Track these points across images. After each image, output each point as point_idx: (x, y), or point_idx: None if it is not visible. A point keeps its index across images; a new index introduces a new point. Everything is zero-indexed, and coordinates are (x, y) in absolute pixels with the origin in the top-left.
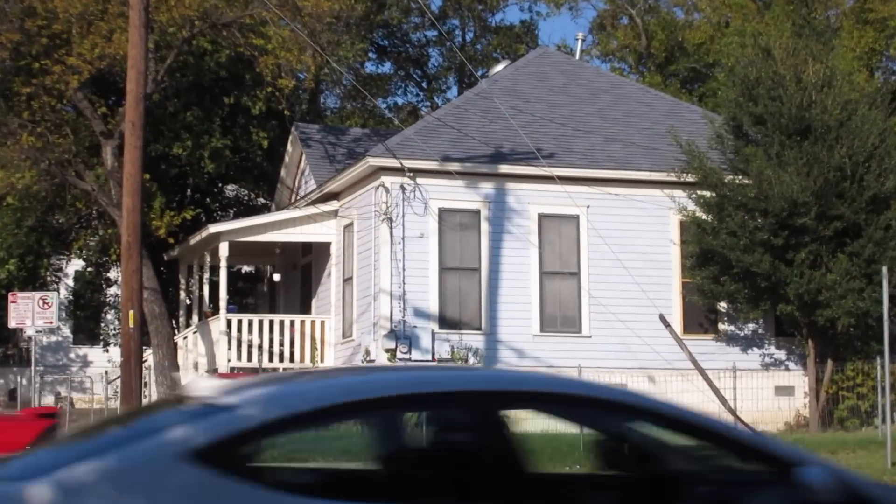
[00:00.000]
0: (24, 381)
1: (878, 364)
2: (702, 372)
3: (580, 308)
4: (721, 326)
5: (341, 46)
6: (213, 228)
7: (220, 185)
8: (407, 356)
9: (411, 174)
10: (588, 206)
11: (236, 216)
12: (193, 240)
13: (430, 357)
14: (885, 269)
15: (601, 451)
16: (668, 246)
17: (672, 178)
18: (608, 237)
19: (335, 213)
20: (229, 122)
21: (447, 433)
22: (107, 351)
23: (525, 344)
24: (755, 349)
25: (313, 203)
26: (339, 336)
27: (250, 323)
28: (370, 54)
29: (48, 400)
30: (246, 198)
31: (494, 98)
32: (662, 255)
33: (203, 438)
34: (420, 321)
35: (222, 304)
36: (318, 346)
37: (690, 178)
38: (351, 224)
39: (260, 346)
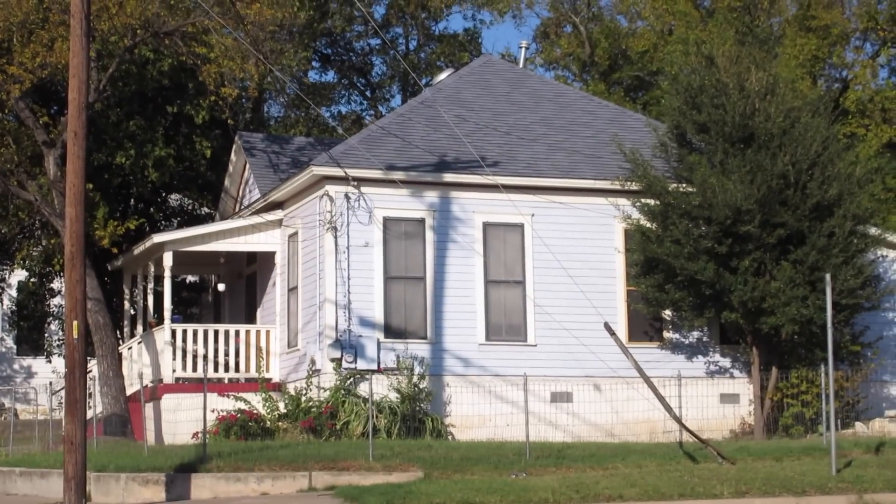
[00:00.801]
0: None
1: (822, 371)
2: (647, 380)
3: (525, 316)
4: (666, 334)
5: (284, 55)
6: (157, 238)
7: (163, 194)
8: (353, 366)
9: (356, 183)
10: (533, 215)
11: (180, 226)
12: (137, 250)
13: (375, 366)
14: (828, 277)
15: None
16: (612, 254)
17: (616, 186)
18: (553, 245)
19: (280, 223)
20: (172, 132)
21: None
22: (50, 362)
23: (471, 353)
24: (700, 357)
25: (258, 212)
26: (284, 346)
27: (195, 333)
28: (313, 63)
29: None
30: (190, 207)
31: (438, 106)
32: (607, 263)
33: None
34: (366, 330)
35: (167, 314)
36: (264, 355)
37: (635, 187)
38: (296, 233)
39: (205, 357)
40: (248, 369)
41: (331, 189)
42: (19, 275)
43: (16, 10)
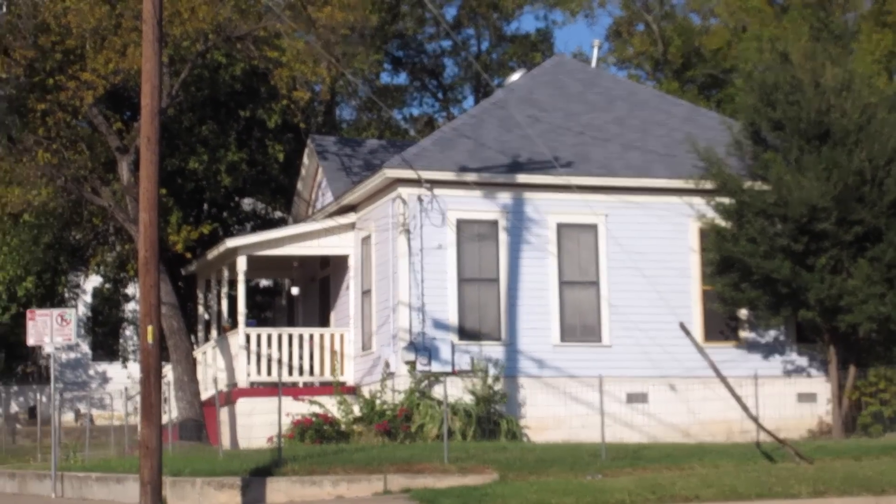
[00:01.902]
0: (44, 399)
1: None
2: (723, 380)
3: (600, 317)
4: (742, 334)
5: (356, 58)
6: (231, 243)
7: (236, 198)
8: (427, 368)
9: (428, 185)
10: (607, 215)
11: (253, 230)
12: (211, 254)
13: (449, 369)
14: None
15: None
16: (687, 253)
17: (690, 185)
18: (627, 245)
19: (353, 226)
20: (245, 136)
21: None
22: (126, 367)
23: (545, 354)
24: (776, 356)
25: (330, 215)
26: (358, 349)
27: (269, 337)
28: (385, 65)
29: (68, 417)
30: (263, 211)
31: (511, 107)
32: (682, 262)
33: None
34: (439, 332)
35: (241, 318)
36: (338, 359)
37: (709, 185)
38: (369, 236)
39: (280, 360)
40: (322, 373)
41: (403, 191)
42: (94, 281)
43: (88, 17)
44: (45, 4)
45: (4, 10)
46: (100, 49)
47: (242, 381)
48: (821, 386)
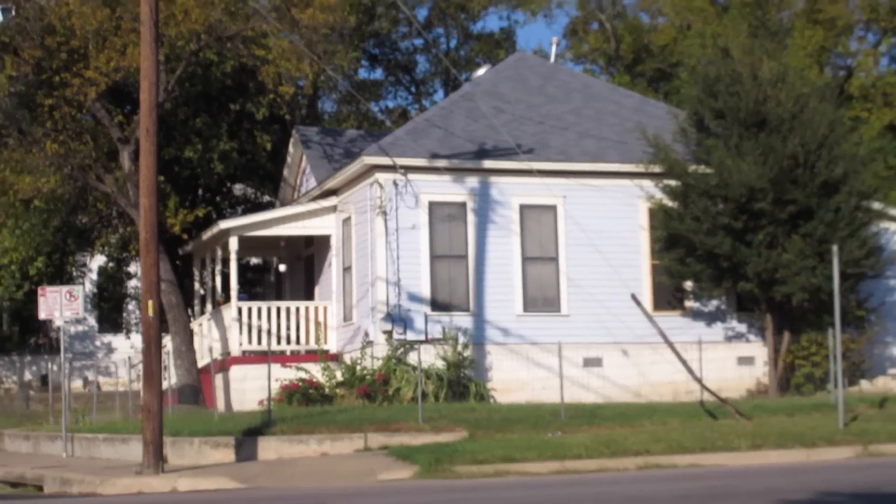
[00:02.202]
0: (55, 368)
1: (830, 335)
2: (671, 345)
3: (559, 289)
4: (687, 303)
5: (336, 55)
6: (223, 224)
7: (228, 184)
8: (403, 337)
9: (403, 171)
10: (565, 197)
11: (244, 213)
12: (205, 235)
13: (423, 337)
14: (835, 248)
15: None
16: (637, 231)
17: (640, 169)
18: (583, 224)
19: (334, 208)
20: (235, 127)
21: None
22: (129, 338)
23: (509, 323)
24: (718, 323)
25: (314, 199)
26: (340, 320)
27: (259, 310)
28: (363, 62)
29: (76, 384)
30: (252, 196)
31: (477, 99)
32: (633, 239)
33: None
34: (414, 305)
35: (233, 293)
36: (322, 329)
37: (657, 169)
38: (349, 218)
39: (269, 331)
40: (307, 342)
41: (380, 177)
42: (99, 260)
43: (91, 20)
44: (51, 8)
45: (14, 13)
46: (101, 49)
47: (235, 350)
48: (758, 350)
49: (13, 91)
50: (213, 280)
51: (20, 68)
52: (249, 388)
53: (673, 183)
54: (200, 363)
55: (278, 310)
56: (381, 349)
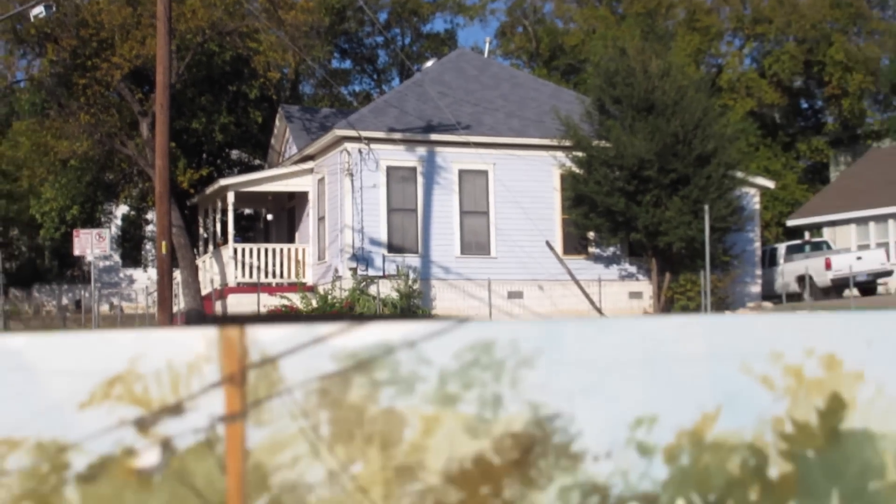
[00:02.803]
0: (87, 294)
1: (702, 275)
2: (577, 282)
3: (489, 237)
4: (590, 249)
5: (314, 48)
6: (223, 182)
7: (226, 150)
8: (365, 273)
9: (366, 141)
10: (494, 164)
11: (239, 173)
12: (208, 190)
13: (381, 273)
14: (706, 208)
15: None
16: (552, 192)
17: (555, 143)
18: (509, 186)
19: (311, 170)
20: (233, 105)
21: None
22: (146, 271)
23: (450, 263)
24: (615, 265)
25: (295, 163)
26: (315, 259)
27: (251, 250)
28: (335, 54)
29: (104, 308)
30: (246, 159)
31: (426, 86)
32: (548, 198)
33: None
34: (374, 248)
35: (230, 237)
36: (301, 266)
37: (568, 143)
38: (323, 178)
39: (258, 267)
40: (289, 276)
41: (348, 146)
42: (122, 209)
43: (117, 16)
44: (85, 5)
45: (54, 9)
46: (125, 39)
47: (231, 282)
48: (646, 287)
49: (54, 72)
50: (214, 226)
51: (59, 54)
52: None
53: (580, 154)
54: (204, 292)
55: (266, 250)
56: (347, 282)
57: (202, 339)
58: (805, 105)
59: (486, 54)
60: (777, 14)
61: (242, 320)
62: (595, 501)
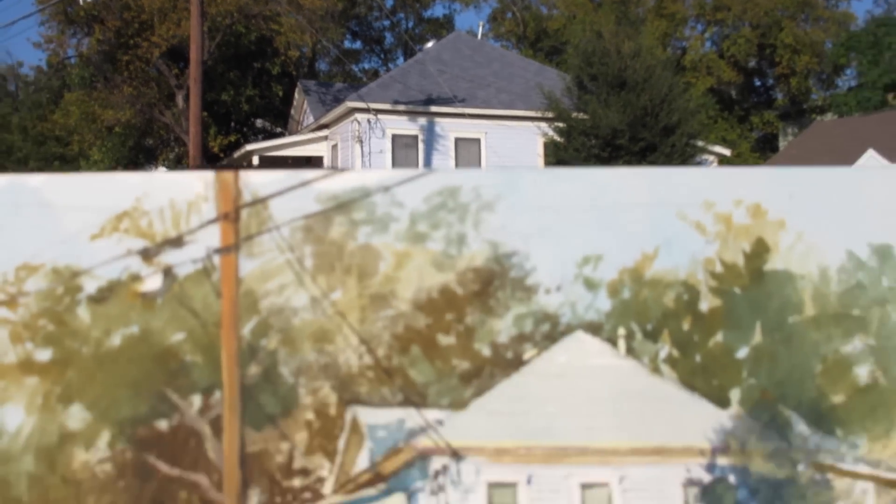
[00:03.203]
0: None
1: None
2: None
3: None
4: None
5: (329, 31)
6: (249, 147)
7: (252, 119)
8: None
9: (374, 112)
10: (486, 133)
11: (263, 139)
12: (236, 154)
13: None
14: None
15: None
16: (535, 158)
17: (539, 115)
18: (499, 152)
19: (326, 138)
20: (257, 79)
21: None
22: None
23: None
24: None
25: (312, 131)
26: None
27: None
28: (347, 36)
29: None
30: (269, 128)
31: (427, 64)
32: (532, 163)
33: None
34: None
35: None
36: None
37: (550, 115)
38: (336, 145)
39: None
40: None
41: (358, 116)
42: (161, 170)
43: (155, 0)
44: None
45: None
46: (163, 21)
47: None
48: None
49: (100, 50)
50: None
51: (105, 34)
52: None
53: (560, 125)
54: None
55: None
56: None
57: (201, 181)
58: (758, 83)
59: (479, 36)
60: (734, 2)
61: (237, 166)
62: (546, 328)
